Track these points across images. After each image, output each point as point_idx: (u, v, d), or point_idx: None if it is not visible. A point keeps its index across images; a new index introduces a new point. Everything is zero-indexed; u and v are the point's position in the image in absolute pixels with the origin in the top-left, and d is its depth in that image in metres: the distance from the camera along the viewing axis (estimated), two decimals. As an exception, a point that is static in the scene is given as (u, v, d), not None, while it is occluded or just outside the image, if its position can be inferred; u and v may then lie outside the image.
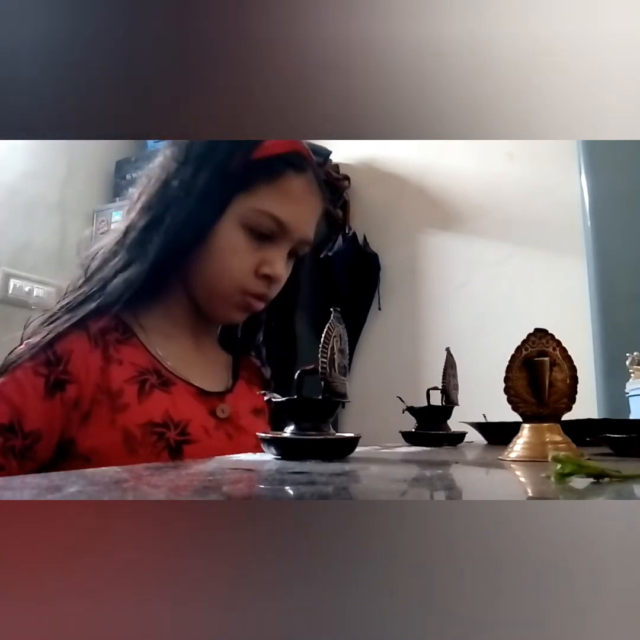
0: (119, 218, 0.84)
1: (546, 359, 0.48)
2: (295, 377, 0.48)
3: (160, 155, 0.82)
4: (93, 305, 0.75)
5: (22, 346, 0.71)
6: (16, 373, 0.68)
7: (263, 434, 0.47)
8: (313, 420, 0.46)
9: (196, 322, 0.86)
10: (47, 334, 0.71)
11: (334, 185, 2.29)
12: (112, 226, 0.86)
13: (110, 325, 0.76)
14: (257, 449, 0.81)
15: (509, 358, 0.49)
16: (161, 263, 0.77)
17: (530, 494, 0.33)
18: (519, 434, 0.49)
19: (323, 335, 0.47)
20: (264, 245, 0.79)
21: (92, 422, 0.70)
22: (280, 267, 0.81)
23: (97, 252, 0.80)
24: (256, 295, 0.80)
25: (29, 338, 0.73)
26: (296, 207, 0.80)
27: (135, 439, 0.70)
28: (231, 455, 0.53)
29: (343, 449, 0.48)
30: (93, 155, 2.19)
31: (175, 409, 0.74)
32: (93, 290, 0.77)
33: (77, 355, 0.71)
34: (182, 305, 0.84)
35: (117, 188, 2.24)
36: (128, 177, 2.14)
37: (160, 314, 0.83)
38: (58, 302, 0.78)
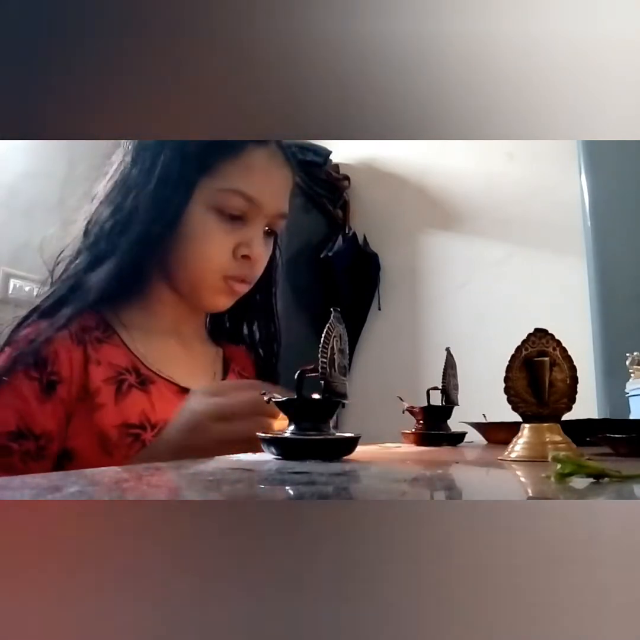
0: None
1: (546, 359, 0.48)
2: (296, 377, 0.48)
3: (119, 150, 0.80)
4: (71, 308, 0.73)
5: (3, 353, 0.70)
6: (11, 380, 0.67)
7: (263, 434, 0.47)
8: (313, 420, 0.46)
9: (180, 316, 0.84)
10: (32, 338, 0.70)
11: (334, 185, 2.29)
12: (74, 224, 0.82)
13: (91, 324, 0.75)
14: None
15: (509, 358, 0.49)
16: (134, 258, 0.75)
17: (530, 494, 0.33)
18: (519, 434, 0.49)
19: (323, 335, 0.47)
20: (237, 225, 0.77)
21: (73, 422, 0.69)
22: (259, 246, 0.79)
23: (62, 251, 0.78)
24: (238, 278, 0.79)
25: (6, 345, 0.71)
26: (263, 180, 0.78)
27: (110, 440, 0.68)
28: (231, 455, 0.53)
29: (343, 449, 0.48)
30: (93, 155, 2.19)
31: (152, 410, 0.72)
32: (63, 291, 0.75)
33: (61, 355, 0.70)
34: (164, 299, 0.82)
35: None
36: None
37: (142, 310, 0.81)
38: (28, 308, 0.76)
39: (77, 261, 0.76)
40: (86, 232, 0.77)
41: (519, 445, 0.48)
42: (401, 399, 0.72)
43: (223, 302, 0.82)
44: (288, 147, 0.83)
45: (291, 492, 0.31)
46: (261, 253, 0.79)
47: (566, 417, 0.48)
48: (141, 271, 0.78)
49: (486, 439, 0.83)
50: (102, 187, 0.79)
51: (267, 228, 0.81)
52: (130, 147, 0.78)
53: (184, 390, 0.76)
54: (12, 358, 0.68)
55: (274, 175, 0.80)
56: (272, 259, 0.88)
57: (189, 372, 0.80)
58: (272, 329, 0.93)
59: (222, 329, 0.94)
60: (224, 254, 0.77)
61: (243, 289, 0.81)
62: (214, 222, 0.76)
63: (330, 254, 2.15)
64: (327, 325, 0.47)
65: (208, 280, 0.78)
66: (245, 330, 0.93)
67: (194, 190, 0.75)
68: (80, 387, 0.70)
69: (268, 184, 0.79)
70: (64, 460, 0.69)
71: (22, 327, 0.72)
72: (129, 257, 0.74)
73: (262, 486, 0.34)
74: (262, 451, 0.48)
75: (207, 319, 0.92)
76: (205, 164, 0.75)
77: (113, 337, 0.77)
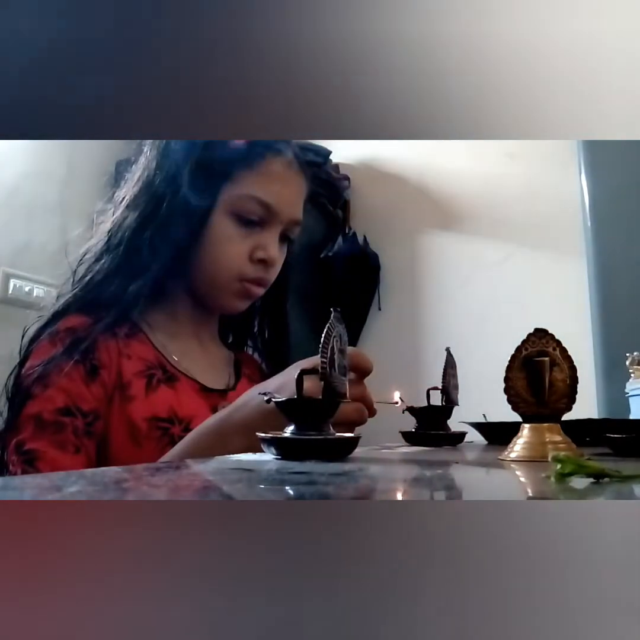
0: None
1: (546, 359, 0.48)
2: (295, 377, 0.48)
3: (142, 157, 0.83)
4: (104, 307, 0.76)
5: (46, 342, 0.73)
6: (58, 364, 0.71)
7: (263, 434, 0.47)
8: (313, 420, 0.46)
9: (198, 319, 0.87)
10: (73, 329, 0.73)
11: (334, 185, 2.29)
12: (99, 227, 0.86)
13: (118, 320, 0.78)
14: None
15: (509, 358, 0.49)
16: (161, 263, 0.78)
17: (530, 494, 0.33)
18: (519, 434, 0.49)
19: (323, 335, 0.47)
20: (254, 230, 0.80)
21: (109, 410, 0.73)
22: (274, 250, 0.82)
23: (86, 254, 0.82)
24: (254, 281, 0.81)
25: (47, 336, 0.74)
26: (280, 188, 0.81)
27: (140, 432, 0.71)
28: (231, 455, 0.53)
29: (343, 449, 0.48)
30: (93, 155, 2.19)
31: (179, 405, 0.75)
32: (93, 290, 0.79)
33: (100, 344, 0.75)
34: (183, 301, 0.85)
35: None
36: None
37: (164, 311, 0.84)
38: (56, 306, 0.80)
39: (102, 263, 0.80)
40: (111, 236, 0.80)
41: (519, 445, 0.48)
42: (401, 399, 0.72)
43: (239, 305, 0.84)
44: (302, 156, 0.86)
45: (291, 492, 0.30)
46: (276, 257, 0.82)
47: (566, 417, 0.48)
48: (165, 275, 0.81)
49: (486, 439, 0.83)
50: (127, 192, 0.81)
51: (284, 234, 0.84)
52: (154, 154, 0.81)
53: (207, 390, 0.79)
54: (57, 345, 0.72)
55: (290, 184, 0.84)
56: (286, 264, 0.90)
57: (208, 373, 0.83)
58: (282, 334, 0.94)
59: (232, 333, 0.96)
60: (240, 257, 0.80)
61: (259, 291, 0.83)
62: (232, 226, 0.79)
63: (330, 254, 2.15)
64: (327, 325, 0.47)
65: (225, 282, 0.81)
66: (255, 335, 0.95)
67: (217, 198, 0.78)
68: (116, 375, 0.74)
69: (284, 191, 0.83)
70: (102, 444, 0.71)
71: (59, 321, 0.76)
72: (156, 262, 0.78)
73: (262, 486, 0.34)
74: (262, 451, 0.48)
75: (218, 321, 0.94)
76: (227, 172, 0.78)
77: (139, 334, 0.80)
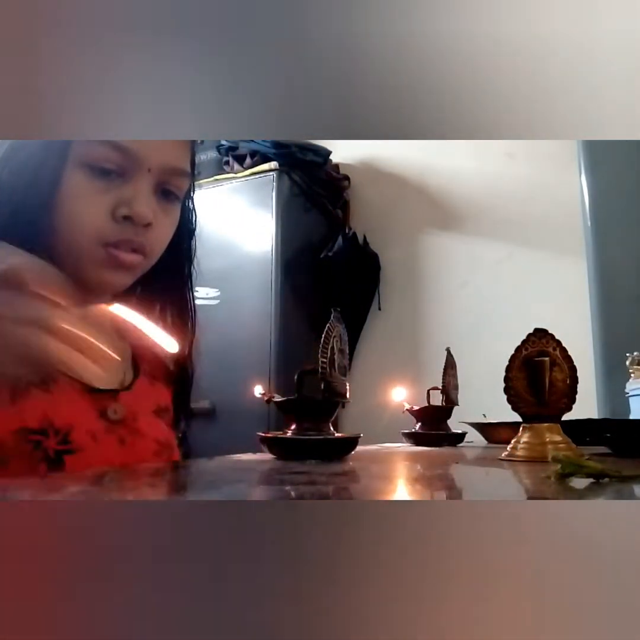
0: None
1: (546, 359, 0.48)
2: (296, 377, 0.48)
3: None
4: None
5: None
6: None
7: (263, 434, 0.47)
8: (313, 420, 0.46)
9: (81, 304, 0.69)
10: None
11: (334, 185, 2.29)
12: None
13: None
14: (155, 456, 0.66)
15: (509, 358, 0.49)
16: (14, 235, 0.61)
17: (530, 494, 0.33)
18: (519, 434, 0.49)
19: (323, 335, 0.47)
20: (115, 183, 0.66)
21: None
22: (142, 205, 0.66)
23: None
24: (121, 244, 0.66)
25: None
26: None
27: (5, 448, 0.57)
28: (231, 455, 0.53)
29: (343, 449, 0.48)
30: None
31: (55, 412, 0.61)
32: None
33: None
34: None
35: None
36: None
37: None
38: None
39: None
40: None
41: (519, 446, 0.48)
42: (402, 400, 0.72)
43: (114, 279, 0.68)
44: None
45: (291, 492, 0.30)
46: (145, 212, 0.66)
47: (566, 417, 0.48)
48: (29, 247, 0.67)
49: (486, 439, 0.83)
50: None
51: (163, 188, 0.69)
52: None
53: (93, 390, 0.65)
54: None
55: None
56: (185, 229, 0.76)
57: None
58: (186, 320, 0.78)
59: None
60: (98, 216, 0.65)
61: (136, 260, 0.67)
62: (84, 180, 0.65)
63: (330, 254, 2.15)
64: (327, 325, 0.47)
65: (85, 249, 0.65)
66: (157, 321, 0.77)
67: (67, 151, 0.64)
68: None
69: None
70: None
71: None
72: (7, 235, 0.64)
73: (262, 486, 0.34)
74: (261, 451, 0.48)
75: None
76: None
77: None
